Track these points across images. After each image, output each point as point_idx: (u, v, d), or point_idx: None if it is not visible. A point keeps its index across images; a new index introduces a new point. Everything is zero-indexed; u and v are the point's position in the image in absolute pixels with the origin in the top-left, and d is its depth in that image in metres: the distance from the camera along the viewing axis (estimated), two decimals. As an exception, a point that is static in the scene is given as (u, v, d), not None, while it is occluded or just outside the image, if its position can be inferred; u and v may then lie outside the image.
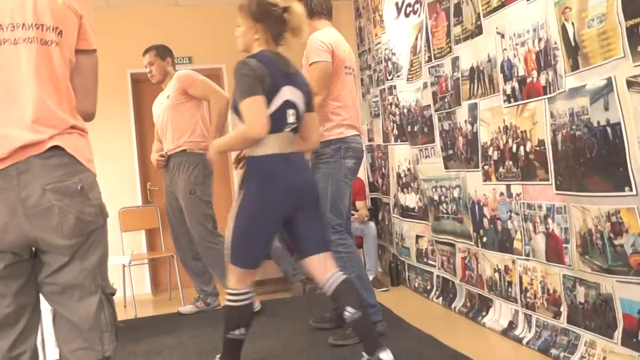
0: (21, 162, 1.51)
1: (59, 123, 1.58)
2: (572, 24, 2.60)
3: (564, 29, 2.67)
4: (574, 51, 2.61)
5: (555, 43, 2.74)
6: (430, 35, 4.09)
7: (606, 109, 2.43)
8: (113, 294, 1.73)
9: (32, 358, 1.64)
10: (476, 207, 3.67)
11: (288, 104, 2.72)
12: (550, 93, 2.85)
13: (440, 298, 4.28)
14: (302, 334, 3.73)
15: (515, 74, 3.13)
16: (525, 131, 3.10)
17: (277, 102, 2.67)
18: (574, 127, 2.65)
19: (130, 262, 5.10)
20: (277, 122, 2.67)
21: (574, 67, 2.62)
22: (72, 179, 1.58)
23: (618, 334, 2.54)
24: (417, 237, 4.71)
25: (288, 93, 2.72)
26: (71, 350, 1.66)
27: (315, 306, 4.41)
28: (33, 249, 1.61)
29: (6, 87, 1.53)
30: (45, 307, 1.71)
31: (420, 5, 4.25)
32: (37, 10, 1.57)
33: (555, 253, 2.94)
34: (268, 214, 2.68)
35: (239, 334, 2.75)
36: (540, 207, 3.03)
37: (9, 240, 1.52)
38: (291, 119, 2.74)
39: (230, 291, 2.76)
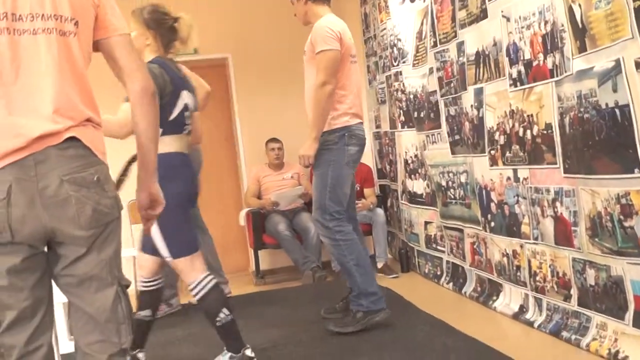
0: (38, 152, 1.50)
1: (77, 114, 1.57)
2: (579, 5, 2.58)
3: (570, 11, 2.65)
4: (581, 33, 2.60)
5: (562, 25, 2.72)
6: (435, 20, 4.06)
7: (614, 90, 2.42)
8: (128, 286, 1.73)
9: (49, 352, 1.63)
10: (483, 192, 3.66)
11: (186, 107, 2.85)
12: (557, 76, 2.83)
13: (451, 283, 4.28)
14: (312, 323, 3.73)
15: (521, 58, 3.11)
16: (531, 115, 3.08)
17: (180, 105, 2.80)
18: (582, 109, 2.63)
19: (140, 254, 5.10)
20: (178, 124, 2.81)
21: (582, 49, 2.61)
22: (89, 170, 1.57)
23: (629, 315, 2.54)
24: (426, 223, 4.71)
25: (185, 97, 2.84)
26: (88, 343, 1.65)
27: (325, 294, 4.43)
28: (47, 242, 1.60)
29: (25, 77, 1.52)
30: (57, 301, 1.72)
31: (425, -10, 4.22)
32: (56, 1, 1.56)
33: (564, 236, 2.94)
34: (184, 203, 2.80)
35: (225, 316, 2.78)
36: (548, 190, 3.02)
37: (26, 231, 1.51)
38: (188, 120, 2.87)
39: (191, 286, 2.80)
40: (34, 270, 1.58)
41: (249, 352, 2.85)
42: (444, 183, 4.24)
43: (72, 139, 1.55)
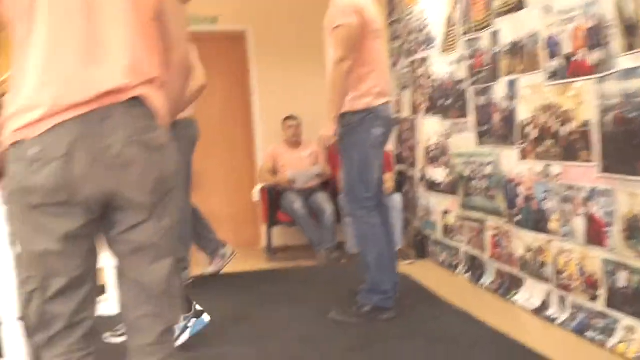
0: (104, 107, 1.40)
1: (146, 71, 1.49)
2: (631, 1, 2.52)
3: (620, 6, 2.58)
4: (631, 30, 2.53)
5: (609, 21, 2.66)
6: (468, 7, 3.99)
7: (663, 92, 2.37)
8: (179, 261, 1.66)
9: (93, 326, 1.56)
10: (510, 185, 3.62)
11: None
12: (600, 73, 2.77)
13: (468, 274, 4.26)
14: (328, 302, 3.69)
15: (561, 52, 3.05)
16: (568, 110, 3.03)
17: None
18: (626, 109, 2.58)
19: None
20: None
21: (630, 47, 2.55)
22: (154, 133, 1.49)
23: (661, 320, 2.51)
24: (445, 212, 4.67)
25: None
26: (138, 316, 1.57)
27: (340, 276, 4.43)
28: (103, 206, 1.49)
29: (97, 28, 1.44)
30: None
31: (459, -24, 4.14)
32: None
33: (595, 236, 2.90)
34: None
35: None
36: (581, 189, 2.98)
37: (86, 192, 1.41)
38: None
39: None
40: (89, 237, 1.50)
41: (198, 307, 2.96)
42: (467, 173, 4.20)
43: (138, 98, 1.47)
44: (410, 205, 5.42)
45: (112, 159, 1.42)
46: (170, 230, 1.58)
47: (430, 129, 4.82)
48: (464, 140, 4.20)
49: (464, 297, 3.77)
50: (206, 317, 3.04)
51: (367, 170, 3.37)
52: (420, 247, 5.05)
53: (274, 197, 5.34)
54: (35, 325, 1.48)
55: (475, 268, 4.18)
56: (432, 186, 4.87)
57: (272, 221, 5.38)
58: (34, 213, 1.42)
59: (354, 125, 3.33)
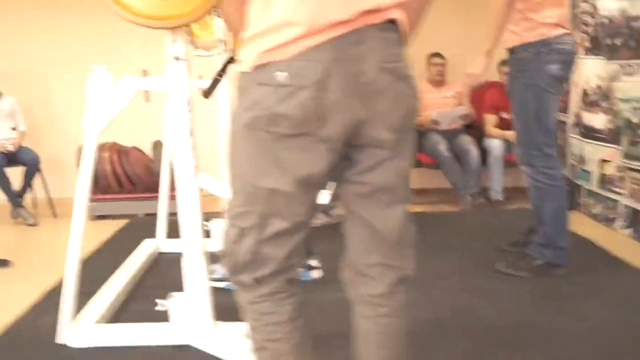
0: (361, 29, 1.24)
1: None
2: None
3: None
4: None
5: None
6: None
7: None
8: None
9: (296, 271, 1.49)
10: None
11: None
12: None
13: (629, 229, 3.95)
14: (483, 251, 3.56)
15: None
16: None
17: None
18: None
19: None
20: None
21: None
22: (402, 61, 1.32)
23: None
24: (602, 161, 4.34)
25: None
26: (370, 263, 1.46)
27: (486, 224, 4.27)
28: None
29: None
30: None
31: None
32: None
33: None
34: None
35: None
36: None
37: (335, 123, 1.26)
38: None
39: None
40: (321, 185, 1.38)
41: (314, 263, 2.93)
42: (636, 120, 3.84)
43: (392, 21, 1.30)
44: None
45: (364, 87, 1.26)
46: (408, 172, 1.44)
47: (591, 70, 4.43)
48: (635, 84, 3.82)
49: (629, 255, 3.48)
50: (314, 274, 3.01)
51: (544, 113, 3.03)
52: (570, 197, 4.74)
53: (416, 138, 5.13)
54: (243, 264, 1.42)
55: (638, 224, 3.87)
56: (589, 133, 4.52)
57: (413, 162, 5.19)
58: (277, 145, 1.29)
59: (527, 62, 3.00)
